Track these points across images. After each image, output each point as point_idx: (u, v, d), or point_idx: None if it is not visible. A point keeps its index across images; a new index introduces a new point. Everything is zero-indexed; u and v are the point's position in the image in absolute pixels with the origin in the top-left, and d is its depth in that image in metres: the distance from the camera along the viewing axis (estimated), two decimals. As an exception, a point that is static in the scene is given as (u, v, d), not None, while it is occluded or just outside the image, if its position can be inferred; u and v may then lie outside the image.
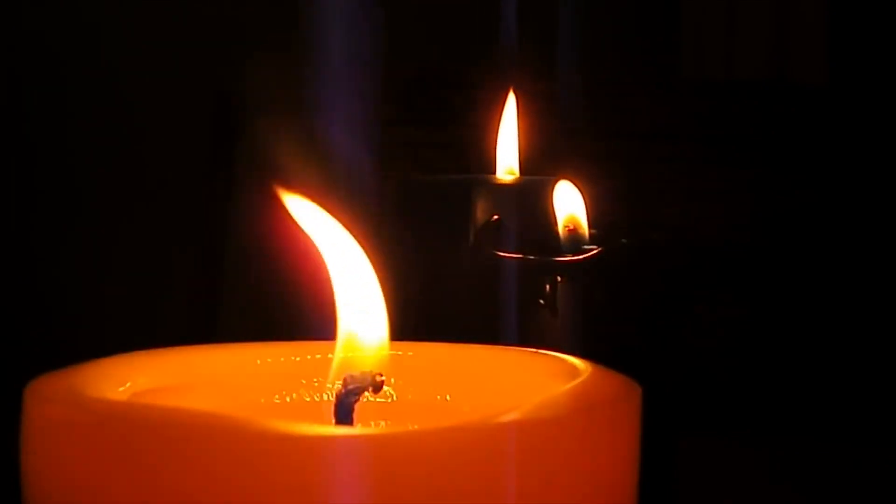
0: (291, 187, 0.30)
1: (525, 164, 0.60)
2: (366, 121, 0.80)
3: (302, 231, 0.30)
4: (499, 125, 0.60)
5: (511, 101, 0.60)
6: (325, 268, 0.30)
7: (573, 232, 0.50)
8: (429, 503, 0.24)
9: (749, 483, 0.72)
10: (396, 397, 0.32)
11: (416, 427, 0.25)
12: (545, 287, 0.47)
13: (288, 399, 0.32)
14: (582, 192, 0.52)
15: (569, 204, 0.51)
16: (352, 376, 0.29)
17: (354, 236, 0.30)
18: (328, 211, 0.30)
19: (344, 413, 0.29)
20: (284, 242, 0.30)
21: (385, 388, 0.31)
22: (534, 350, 0.32)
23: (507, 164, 0.60)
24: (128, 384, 0.29)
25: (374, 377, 0.29)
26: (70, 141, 1.03)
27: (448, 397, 0.32)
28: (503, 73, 0.92)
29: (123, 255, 1.02)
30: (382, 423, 0.32)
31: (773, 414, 0.89)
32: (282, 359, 0.32)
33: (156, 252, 1.02)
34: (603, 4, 1.10)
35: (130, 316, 0.99)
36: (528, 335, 0.47)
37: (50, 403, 0.26)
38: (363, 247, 0.30)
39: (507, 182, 0.58)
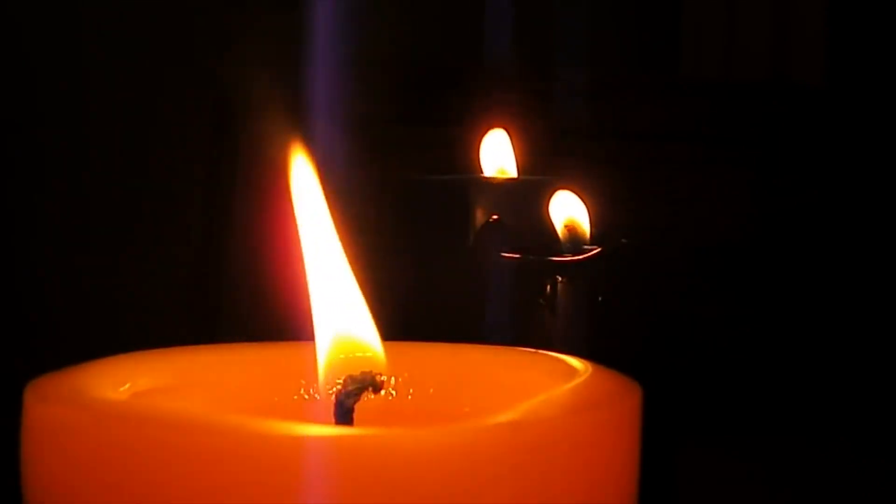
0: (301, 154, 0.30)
1: (525, 165, 0.60)
2: (361, 119, 0.80)
3: (296, 218, 0.30)
4: (477, 147, 0.60)
5: (495, 137, 0.60)
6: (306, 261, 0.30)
7: (573, 232, 0.50)
8: (428, 503, 0.24)
9: (749, 483, 0.72)
10: (396, 397, 0.32)
11: (415, 427, 0.25)
12: (545, 287, 0.47)
13: (288, 399, 0.32)
14: (582, 193, 0.52)
15: (566, 211, 0.51)
16: (352, 377, 0.29)
17: (341, 232, 0.30)
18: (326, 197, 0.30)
19: (344, 413, 0.29)
20: (284, 242, 0.30)
21: (385, 387, 0.31)
22: (534, 350, 0.32)
23: (498, 163, 0.60)
24: (128, 384, 0.29)
25: (374, 377, 0.29)
26: (71, 142, 1.03)
27: (448, 398, 0.32)
28: (500, 78, 0.92)
29: (124, 255, 1.02)
30: (382, 423, 0.32)
31: (773, 414, 0.89)
32: (282, 359, 0.32)
33: (156, 253, 1.02)
34: (603, 4, 1.10)
35: (130, 316, 0.99)
36: (528, 335, 0.47)
37: (50, 403, 0.26)
38: (346, 243, 0.30)
39: (507, 182, 0.58)
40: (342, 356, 0.30)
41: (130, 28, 1.02)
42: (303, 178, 0.30)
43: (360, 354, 0.30)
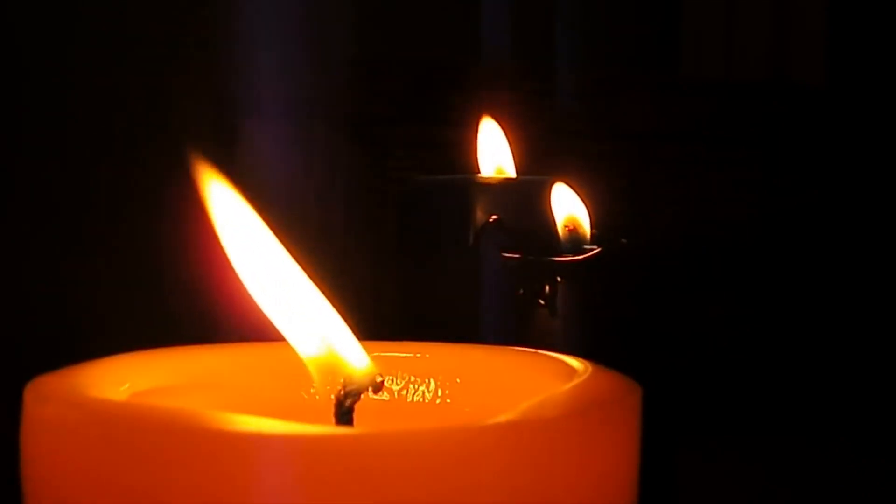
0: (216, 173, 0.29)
1: (524, 164, 0.60)
2: (359, 120, 0.80)
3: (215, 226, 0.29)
4: (475, 146, 0.60)
5: (487, 127, 0.60)
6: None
7: (573, 232, 0.50)
8: (428, 503, 0.24)
9: (748, 483, 0.72)
10: (396, 397, 0.32)
11: (415, 427, 0.25)
12: (545, 287, 0.47)
13: (288, 399, 0.32)
14: (581, 193, 0.52)
15: (566, 205, 0.51)
16: (351, 377, 0.29)
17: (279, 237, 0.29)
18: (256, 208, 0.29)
19: (344, 413, 0.29)
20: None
21: (384, 388, 0.31)
22: (534, 350, 0.32)
23: (495, 163, 0.60)
24: (128, 384, 0.29)
25: (374, 377, 0.29)
26: (69, 141, 1.03)
27: (448, 398, 0.32)
28: (497, 76, 0.92)
29: (124, 255, 1.02)
30: (382, 423, 0.32)
31: (773, 414, 0.89)
32: (282, 359, 0.32)
33: (156, 252, 1.02)
34: (602, 4, 1.10)
35: (130, 316, 0.99)
36: (528, 335, 0.47)
37: (50, 403, 0.26)
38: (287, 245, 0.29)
39: (507, 182, 0.58)
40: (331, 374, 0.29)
41: (128, 24, 1.02)
42: (221, 200, 0.29)
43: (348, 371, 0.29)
